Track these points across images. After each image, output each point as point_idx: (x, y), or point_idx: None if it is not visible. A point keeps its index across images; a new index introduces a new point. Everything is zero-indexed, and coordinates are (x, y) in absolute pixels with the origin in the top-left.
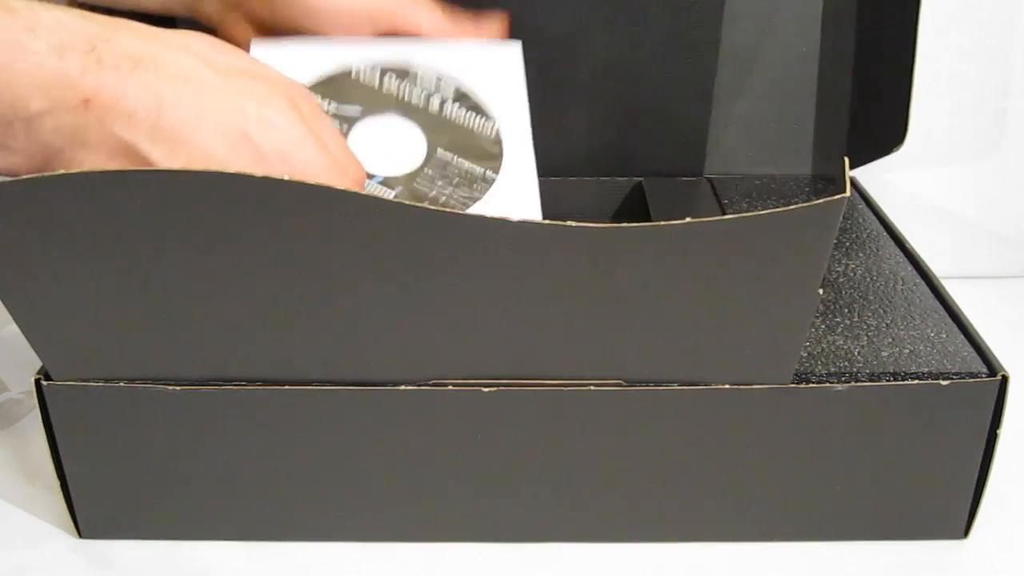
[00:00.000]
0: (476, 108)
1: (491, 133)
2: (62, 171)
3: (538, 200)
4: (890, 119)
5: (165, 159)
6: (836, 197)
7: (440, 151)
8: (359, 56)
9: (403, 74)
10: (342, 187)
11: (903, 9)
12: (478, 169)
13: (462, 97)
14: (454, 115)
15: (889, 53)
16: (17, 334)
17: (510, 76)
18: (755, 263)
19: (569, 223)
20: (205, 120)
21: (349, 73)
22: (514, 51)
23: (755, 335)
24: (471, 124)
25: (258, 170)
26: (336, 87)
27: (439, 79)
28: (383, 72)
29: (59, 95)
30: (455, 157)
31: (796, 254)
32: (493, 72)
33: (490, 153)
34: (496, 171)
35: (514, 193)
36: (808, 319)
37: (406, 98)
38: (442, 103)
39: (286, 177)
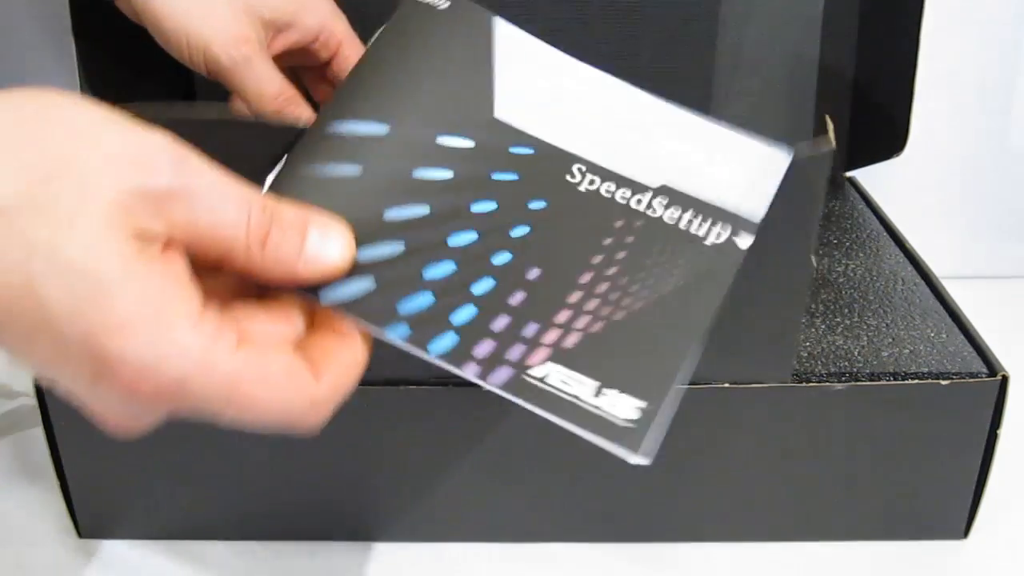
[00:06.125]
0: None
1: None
2: None
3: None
4: (891, 124)
5: None
6: (824, 150)
7: None
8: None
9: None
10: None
11: (905, 11)
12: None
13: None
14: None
15: (890, 54)
16: None
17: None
18: None
19: None
20: None
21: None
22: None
23: (751, 318)
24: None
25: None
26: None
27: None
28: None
29: None
30: None
31: (785, 219)
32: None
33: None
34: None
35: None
36: (803, 294)
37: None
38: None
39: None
